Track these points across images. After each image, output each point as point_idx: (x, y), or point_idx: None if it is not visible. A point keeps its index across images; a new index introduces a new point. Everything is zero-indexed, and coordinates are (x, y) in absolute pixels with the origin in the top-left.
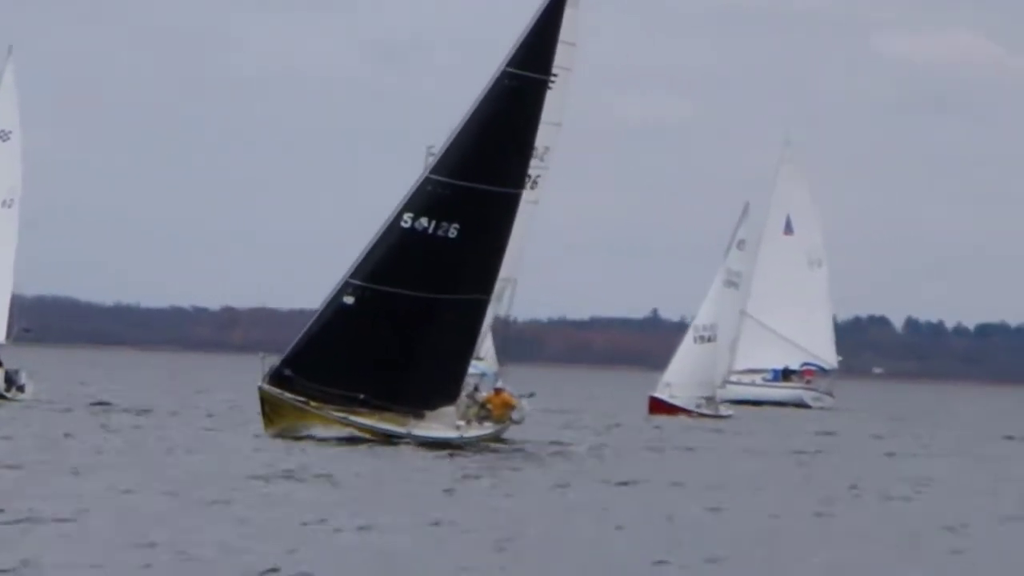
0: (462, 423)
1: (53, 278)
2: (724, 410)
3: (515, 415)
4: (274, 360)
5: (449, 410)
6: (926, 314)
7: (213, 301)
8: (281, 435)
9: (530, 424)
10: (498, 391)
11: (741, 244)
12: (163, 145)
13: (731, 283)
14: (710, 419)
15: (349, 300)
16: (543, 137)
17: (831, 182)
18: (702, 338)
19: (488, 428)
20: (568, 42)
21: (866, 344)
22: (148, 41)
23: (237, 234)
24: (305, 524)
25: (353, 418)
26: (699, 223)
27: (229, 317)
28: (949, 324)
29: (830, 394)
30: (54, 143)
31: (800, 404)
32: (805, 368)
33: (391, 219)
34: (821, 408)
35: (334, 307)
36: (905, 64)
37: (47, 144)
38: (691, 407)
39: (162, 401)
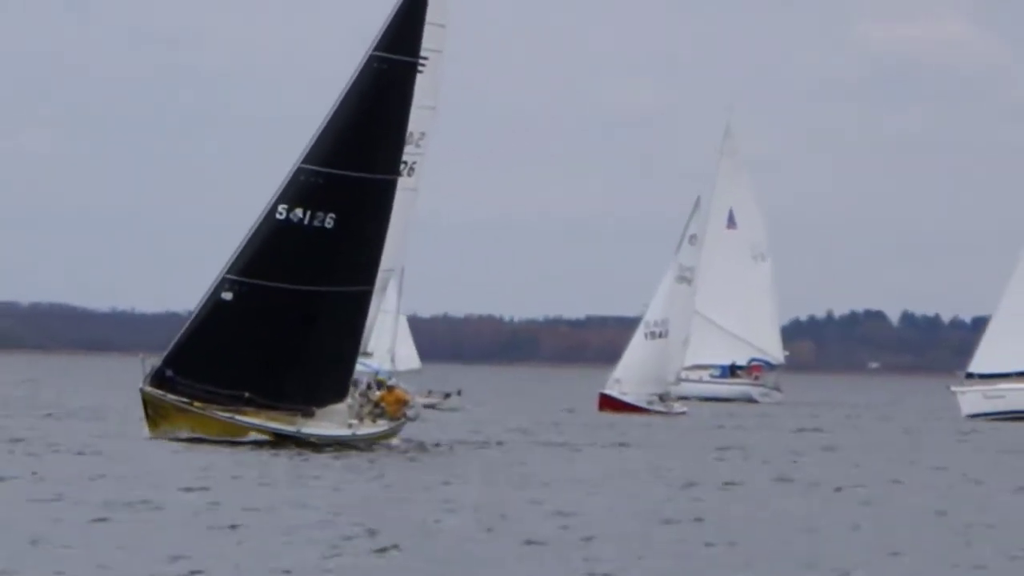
0: (355, 421)
1: (49, 285)
2: (678, 407)
3: (410, 412)
4: (155, 361)
5: (340, 407)
6: (920, 307)
7: None
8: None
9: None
10: (391, 388)
11: (692, 239)
12: (158, 149)
13: (683, 279)
14: (662, 416)
15: (227, 296)
16: (418, 122)
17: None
18: (653, 334)
19: (382, 426)
20: (438, 24)
21: (863, 339)
22: (147, 40)
23: (233, 238)
24: None
25: (240, 418)
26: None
27: None
28: (945, 317)
29: (778, 389)
30: (51, 147)
31: (748, 400)
32: (753, 364)
33: (265, 211)
34: (769, 403)
35: (212, 304)
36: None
37: (42, 148)
38: (642, 404)
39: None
